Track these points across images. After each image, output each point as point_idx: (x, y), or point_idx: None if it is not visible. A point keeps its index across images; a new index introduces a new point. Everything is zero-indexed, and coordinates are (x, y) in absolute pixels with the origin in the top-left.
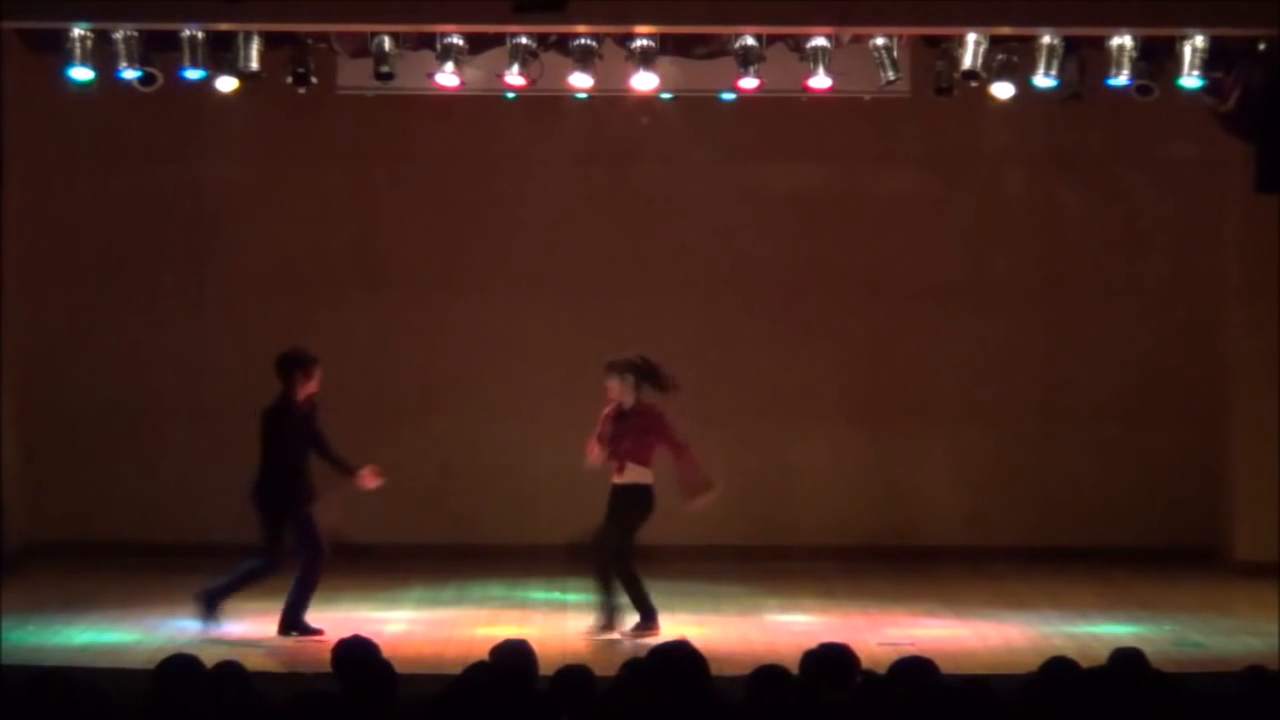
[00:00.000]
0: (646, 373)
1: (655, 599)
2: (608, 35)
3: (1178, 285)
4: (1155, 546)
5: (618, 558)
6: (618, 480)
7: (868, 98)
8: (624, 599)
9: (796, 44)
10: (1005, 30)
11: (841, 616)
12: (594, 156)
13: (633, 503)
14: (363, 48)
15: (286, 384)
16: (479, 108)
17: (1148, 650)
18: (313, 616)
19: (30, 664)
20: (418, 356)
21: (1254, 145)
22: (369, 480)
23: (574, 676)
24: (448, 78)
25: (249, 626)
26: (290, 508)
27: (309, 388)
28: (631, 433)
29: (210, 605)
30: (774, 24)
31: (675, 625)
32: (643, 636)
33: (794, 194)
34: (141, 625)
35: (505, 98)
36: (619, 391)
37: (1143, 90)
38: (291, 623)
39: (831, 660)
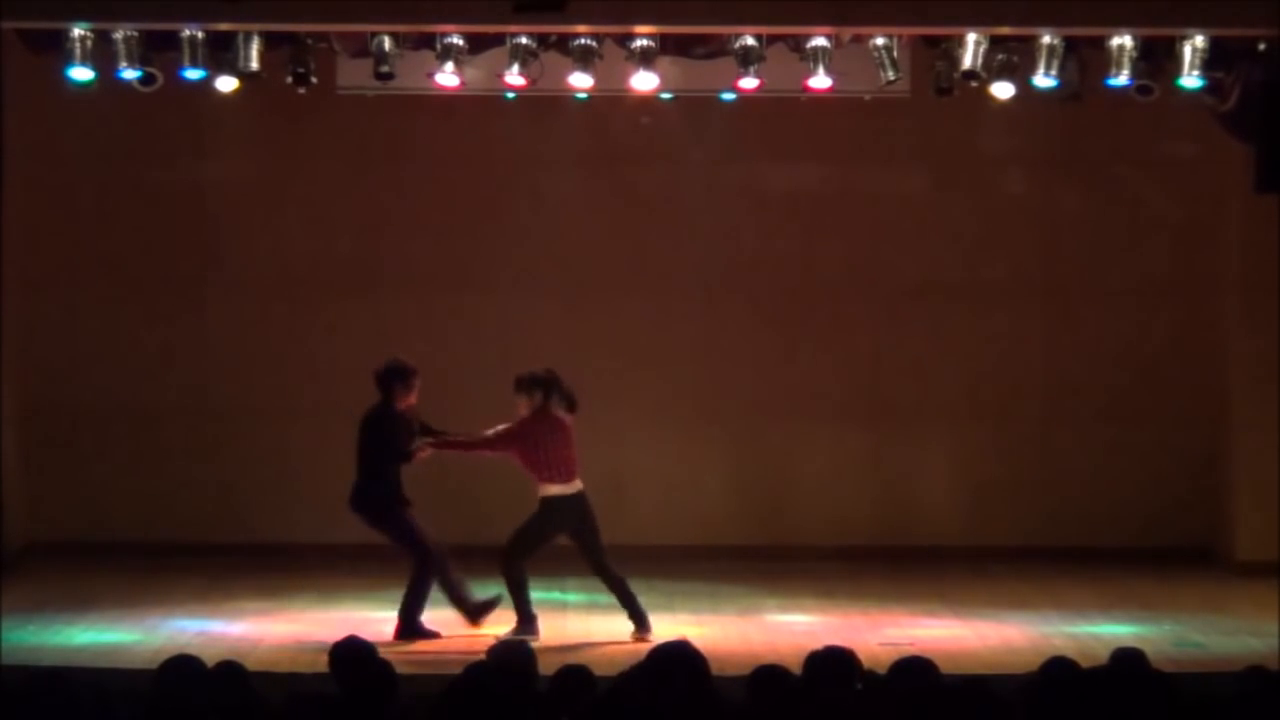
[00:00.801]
0: (551, 388)
1: (656, 599)
2: (608, 35)
3: (1178, 285)
4: (1155, 546)
5: (509, 556)
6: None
7: (868, 98)
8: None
9: (796, 44)
10: (1005, 30)
11: (841, 616)
12: (594, 156)
13: (541, 513)
14: (363, 48)
15: (386, 395)
16: (479, 108)
17: (1148, 650)
18: (310, 617)
19: (30, 664)
20: (417, 356)
21: (1254, 145)
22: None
23: (574, 676)
24: (448, 78)
25: (249, 626)
26: (388, 512)
27: (408, 399)
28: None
29: (410, 628)
30: (774, 24)
31: (675, 625)
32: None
33: (794, 194)
34: (141, 625)
35: (505, 98)
36: (524, 407)
37: (1143, 90)
38: (408, 627)
39: (834, 663)
